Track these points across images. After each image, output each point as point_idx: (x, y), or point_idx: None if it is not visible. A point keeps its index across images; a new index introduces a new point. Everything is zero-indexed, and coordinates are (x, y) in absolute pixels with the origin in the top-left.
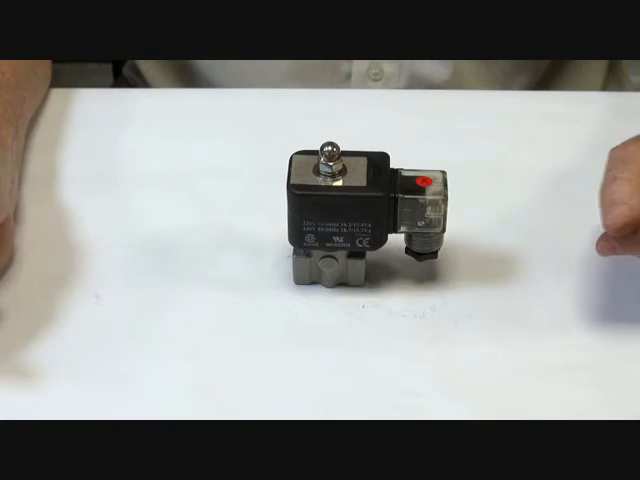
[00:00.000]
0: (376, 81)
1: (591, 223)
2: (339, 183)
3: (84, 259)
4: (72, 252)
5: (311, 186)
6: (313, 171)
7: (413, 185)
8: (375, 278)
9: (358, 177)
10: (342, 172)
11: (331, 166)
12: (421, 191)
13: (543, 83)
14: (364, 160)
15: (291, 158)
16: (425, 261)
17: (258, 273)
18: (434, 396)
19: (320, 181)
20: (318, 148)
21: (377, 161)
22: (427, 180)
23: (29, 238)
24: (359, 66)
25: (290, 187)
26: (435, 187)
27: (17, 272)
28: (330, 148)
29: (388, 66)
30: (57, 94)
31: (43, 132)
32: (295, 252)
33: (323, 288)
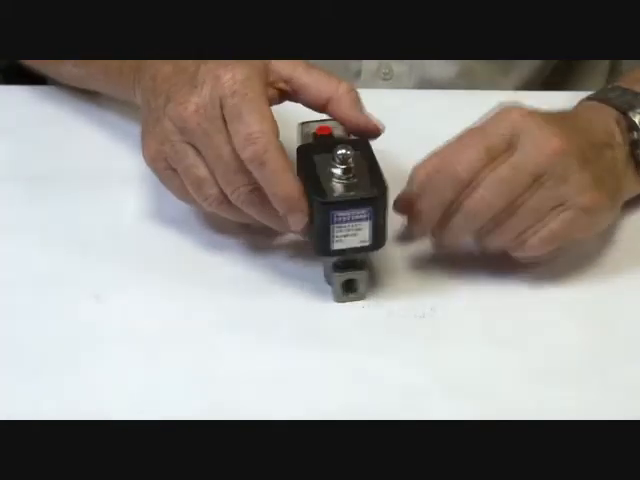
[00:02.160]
0: (386, 80)
1: None
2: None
3: (84, 259)
4: (72, 252)
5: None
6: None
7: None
8: (375, 278)
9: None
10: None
11: (352, 167)
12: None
13: (545, 84)
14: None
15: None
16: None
17: (258, 273)
18: (434, 396)
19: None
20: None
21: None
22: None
23: (27, 239)
24: (369, 64)
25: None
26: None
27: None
28: (344, 151)
29: (397, 66)
30: None
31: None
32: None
33: (323, 288)
